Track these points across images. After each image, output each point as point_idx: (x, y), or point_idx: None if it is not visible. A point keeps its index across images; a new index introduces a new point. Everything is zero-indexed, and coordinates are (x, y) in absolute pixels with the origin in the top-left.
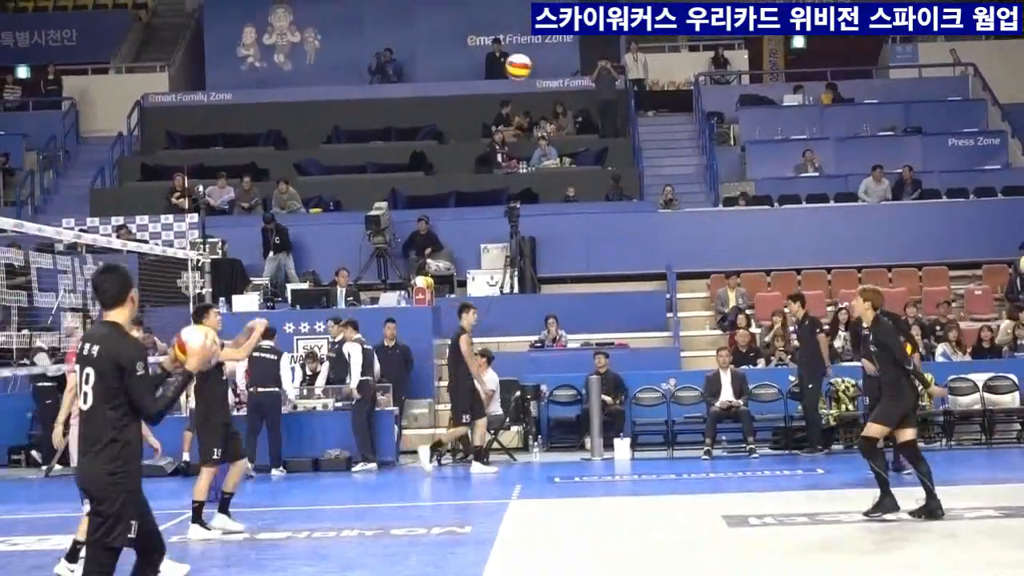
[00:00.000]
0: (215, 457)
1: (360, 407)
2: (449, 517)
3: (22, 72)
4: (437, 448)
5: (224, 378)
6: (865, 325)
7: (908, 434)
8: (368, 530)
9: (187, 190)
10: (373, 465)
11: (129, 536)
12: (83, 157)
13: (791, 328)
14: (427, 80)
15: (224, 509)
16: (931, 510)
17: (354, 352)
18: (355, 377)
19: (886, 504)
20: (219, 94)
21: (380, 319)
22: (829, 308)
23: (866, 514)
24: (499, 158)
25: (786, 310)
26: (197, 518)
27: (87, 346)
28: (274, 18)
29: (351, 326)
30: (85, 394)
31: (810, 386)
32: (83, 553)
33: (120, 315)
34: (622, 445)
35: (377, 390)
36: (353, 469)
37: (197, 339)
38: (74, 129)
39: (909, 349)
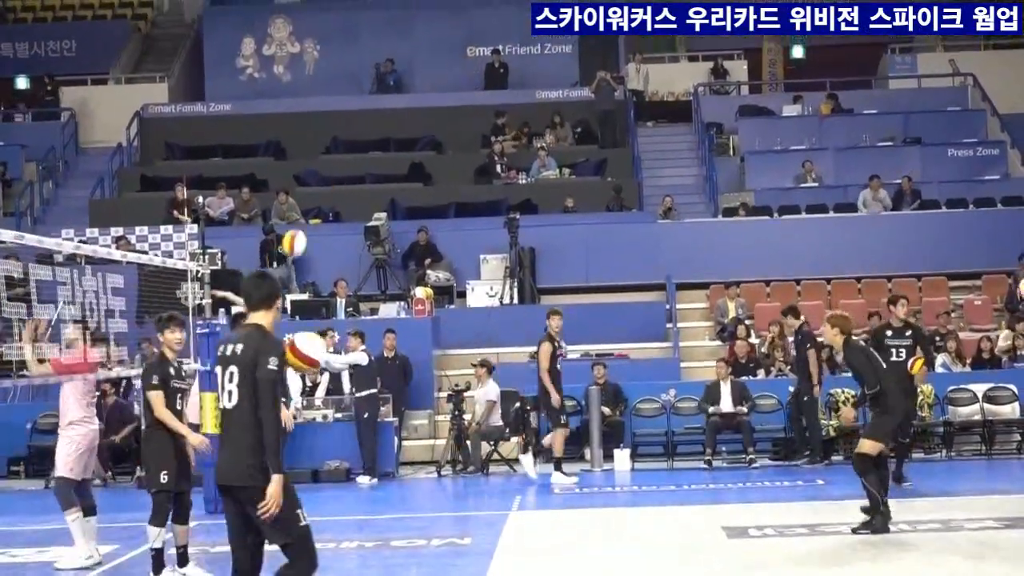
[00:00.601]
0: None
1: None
2: (449, 528)
3: (21, 83)
4: (539, 454)
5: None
6: (836, 351)
7: (866, 446)
8: (368, 542)
9: (186, 201)
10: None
11: (304, 524)
12: (82, 168)
13: (789, 338)
14: (426, 91)
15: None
16: (874, 525)
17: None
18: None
19: (875, 524)
20: (218, 105)
21: (380, 330)
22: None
23: (854, 531)
24: (498, 169)
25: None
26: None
27: (230, 346)
28: (273, 29)
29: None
30: (229, 392)
31: (805, 398)
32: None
33: (264, 318)
34: (622, 456)
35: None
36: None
37: (318, 348)
38: (73, 140)
39: (920, 363)
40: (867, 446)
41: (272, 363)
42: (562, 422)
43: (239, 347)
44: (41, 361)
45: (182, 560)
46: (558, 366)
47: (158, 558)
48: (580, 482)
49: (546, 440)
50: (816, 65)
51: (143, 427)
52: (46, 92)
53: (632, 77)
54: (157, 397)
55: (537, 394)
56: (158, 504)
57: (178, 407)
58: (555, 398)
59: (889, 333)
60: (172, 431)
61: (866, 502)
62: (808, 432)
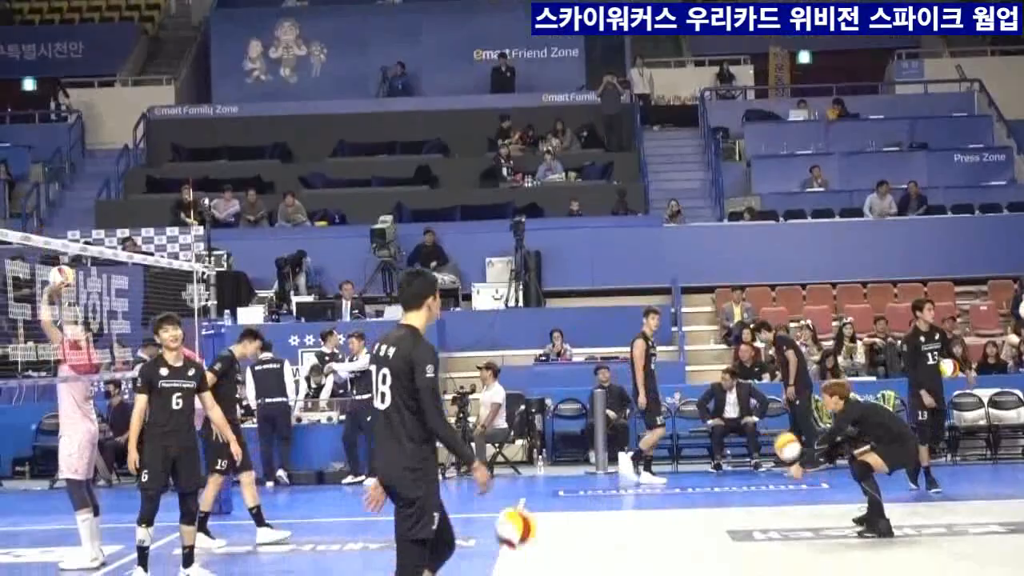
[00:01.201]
0: (219, 468)
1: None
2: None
3: (28, 85)
4: (639, 458)
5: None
6: (840, 414)
7: (872, 459)
8: (372, 543)
9: (193, 203)
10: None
11: (432, 528)
12: (89, 169)
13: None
14: (432, 94)
15: (201, 527)
16: (879, 529)
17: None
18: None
19: (880, 527)
20: (225, 107)
21: (385, 331)
22: (835, 323)
23: (860, 534)
24: (504, 172)
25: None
26: (202, 528)
27: (383, 348)
28: (280, 32)
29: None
30: (383, 394)
31: (797, 403)
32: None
33: (416, 319)
34: (626, 459)
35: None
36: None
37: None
38: (80, 142)
39: (954, 365)
40: (873, 460)
41: (429, 371)
42: (659, 422)
43: (392, 350)
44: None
45: (187, 560)
46: (652, 366)
47: (140, 554)
48: (584, 484)
49: (643, 443)
50: (823, 70)
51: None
52: (54, 95)
53: (637, 81)
54: (139, 399)
55: (632, 393)
56: (141, 502)
57: (175, 406)
58: (641, 400)
59: (922, 339)
60: (162, 432)
61: (859, 513)
62: (802, 436)
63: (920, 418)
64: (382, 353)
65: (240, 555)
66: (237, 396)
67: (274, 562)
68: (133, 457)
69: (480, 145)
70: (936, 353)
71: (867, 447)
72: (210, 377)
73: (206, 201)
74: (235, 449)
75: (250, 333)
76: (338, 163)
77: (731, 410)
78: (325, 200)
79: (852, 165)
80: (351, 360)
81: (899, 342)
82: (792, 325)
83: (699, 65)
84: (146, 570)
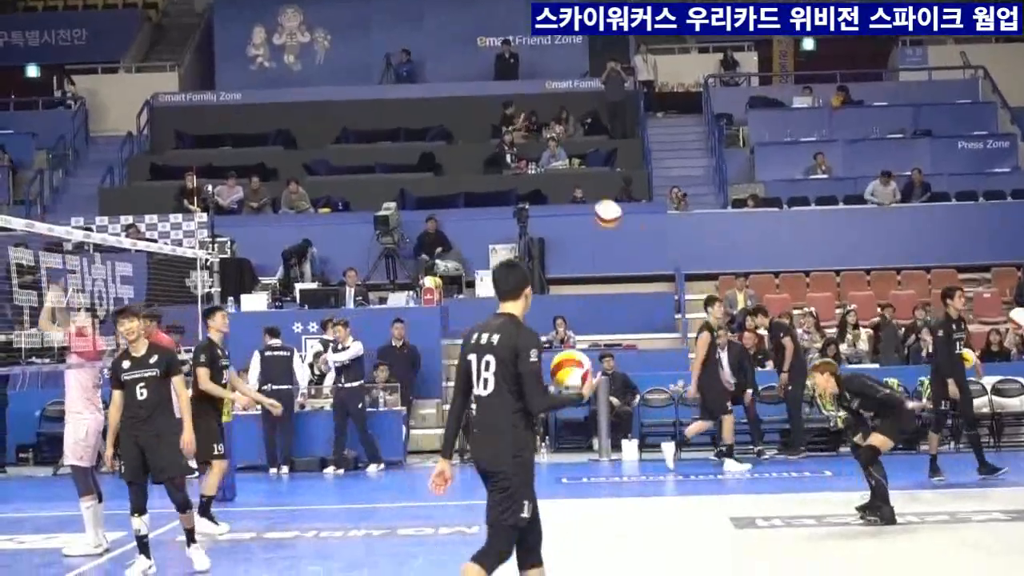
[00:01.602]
0: (217, 453)
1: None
2: (457, 517)
3: (32, 71)
4: (682, 445)
5: (224, 381)
6: (835, 392)
7: (877, 440)
8: (375, 530)
9: (196, 190)
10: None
11: (524, 515)
12: (92, 156)
13: (800, 331)
14: (436, 81)
15: (205, 512)
16: (883, 515)
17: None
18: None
19: (884, 513)
20: (229, 94)
21: (389, 319)
22: (837, 310)
23: (863, 517)
24: (508, 159)
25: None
26: (205, 513)
27: (484, 335)
28: (284, 18)
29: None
30: (485, 380)
31: (789, 388)
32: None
33: (515, 307)
34: (630, 446)
35: (364, 391)
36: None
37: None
38: (83, 128)
39: (968, 357)
40: (878, 441)
41: (533, 356)
42: (728, 408)
43: (495, 336)
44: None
45: (189, 539)
46: (717, 355)
47: (139, 543)
48: (588, 471)
49: (688, 429)
50: (826, 57)
51: None
52: (60, 83)
53: (642, 68)
54: (114, 395)
55: (705, 383)
56: (128, 494)
57: (140, 396)
58: (691, 390)
59: (954, 326)
60: (131, 423)
61: (862, 501)
62: (791, 423)
63: (941, 407)
64: (483, 341)
65: (243, 542)
66: (224, 382)
67: (278, 548)
68: (108, 453)
69: (484, 132)
70: (960, 342)
71: (870, 433)
72: (203, 373)
73: (209, 188)
74: (185, 439)
75: (212, 308)
76: (341, 150)
77: (725, 371)
78: (328, 187)
79: (856, 152)
80: (338, 349)
81: (922, 328)
82: (795, 312)
83: (703, 52)
84: (148, 557)
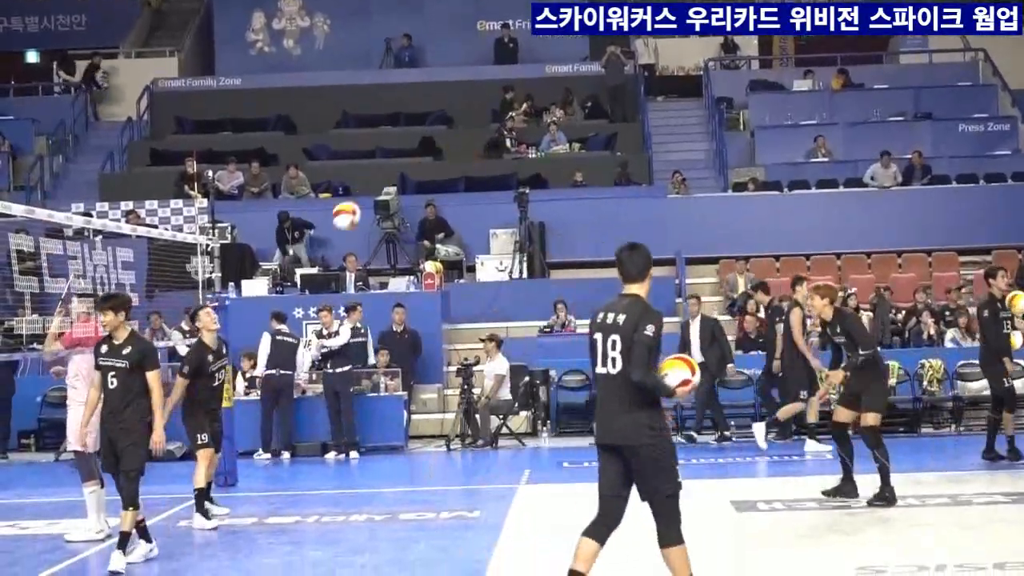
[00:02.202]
0: (202, 442)
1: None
2: (458, 502)
3: (32, 57)
4: (773, 426)
5: (221, 379)
6: (827, 319)
7: (871, 419)
8: (377, 515)
9: (196, 175)
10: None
11: (679, 482)
12: (92, 142)
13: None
14: (436, 65)
15: (199, 507)
16: (886, 497)
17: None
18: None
19: (887, 495)
20: (229, 79)
21: (389, 304)
22: (839, 294)
23: (869, 503)
24: (508, 143)
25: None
26: (199, 507)
27: (611, 315)
28: (284, 3)
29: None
30: (612, 359)
31: (779, 374)
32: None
33: (640, 288)
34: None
35: (354, 376)
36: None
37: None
38: (83, 114)
39: (1015, 342)
40: (871, 418)
41: (649, 330)
42: (802, 396)
43: (621, 317)
44: (60, 335)
45: (120, 543)
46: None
47: (137, 528)
48: (589, 456)
49: (781, 412)
50: (827, 40)
51: None
52: (65, 68)
53: (642, 52)
54: (95, 376)
55: (783, 364)
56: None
57: (110, 385)
58: (815, 363)
59: (999, 305)
60: (103, 413)
61: (836, 481)
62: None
63: (1007, 384)
64: (609, 320)
65: (245, 527)
66: (220, 380)
67: (279, 531)
68: (81, 431)
69: (484, 116)
70: (1008, 322)
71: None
72: (179, 382)
73: (210, 173)
74: (154, 437)
75: (196, 309)
76: (341, 135)
77: (695, 343)
78: (329, 172)
79: (856, 135)
80: (323, 335)
81: (974, 309)
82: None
83: (703, 36)
84: (149, 540)
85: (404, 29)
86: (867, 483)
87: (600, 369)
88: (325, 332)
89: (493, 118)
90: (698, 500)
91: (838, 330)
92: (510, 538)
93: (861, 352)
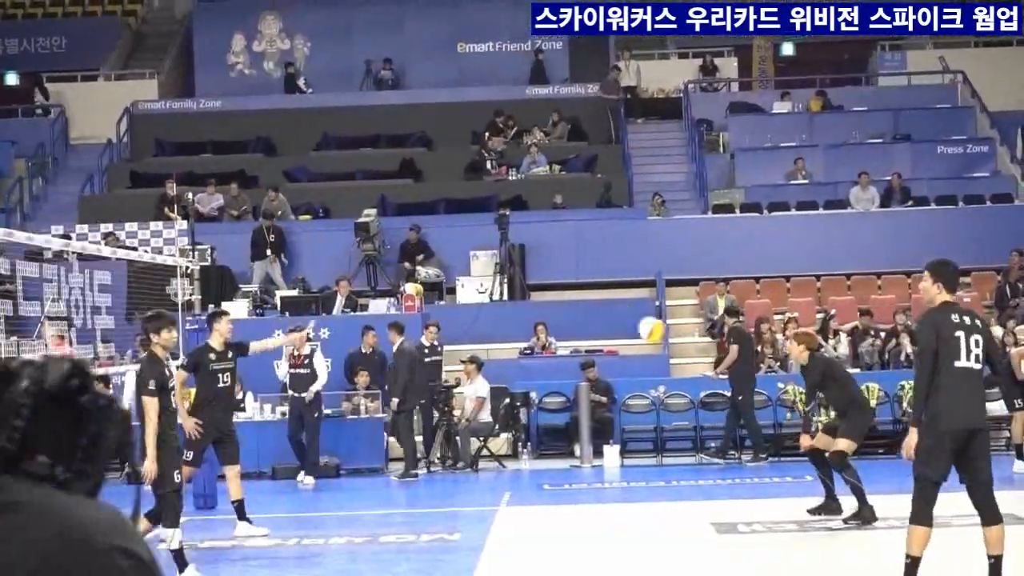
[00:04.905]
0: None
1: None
2: (439, 524)
3: (11, 79)
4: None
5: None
6: (803, 364)
7: (842, 444)
8: (357, 537)
9: (176, 198)
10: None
11: None
12: (72, 164)
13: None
14: (416, 87)
15: (242, 516)
16: (864, 516)
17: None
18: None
19: (864, 514)
20: (208, 101)
21: (373, 325)
22: (819, 315)
23: (845, 521)
24: (488, 165)
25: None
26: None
27: (966, 318)
28: (263, 25)
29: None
30: (976, 355)
31: (740, 397)
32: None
33: (953, 296)
34: (611, 452)
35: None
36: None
37: None
38: (63, 136)
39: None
40: (843, 444)
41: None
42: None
43: (977, 320)
44: None
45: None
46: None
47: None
48: (569, 478)
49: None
50: (806, 62)
51: None
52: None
53: (623, 74)
54: None
55: None
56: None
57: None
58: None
59: None
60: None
61: (819, 500)
62: (747, 429)
63: None
64: (967, 322)
65: (224, 550)
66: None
67: (259, 555)
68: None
69: (464, 138)
70: None
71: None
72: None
73: (189, 195)
74: (145, 466)
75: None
76: (322, 157)
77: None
78: (309, 194)
79: (836, 157)
80: (297, 356)
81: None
82: (776, 317)
83: (683, 58)
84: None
85: (384, 51)
86: (851, 504)
87: (962, 363)
88: (296, 354)
89: (473, 140)
90: (678, 522)
91: (811, 376)
92: (490, 560)
93: (836, 408)
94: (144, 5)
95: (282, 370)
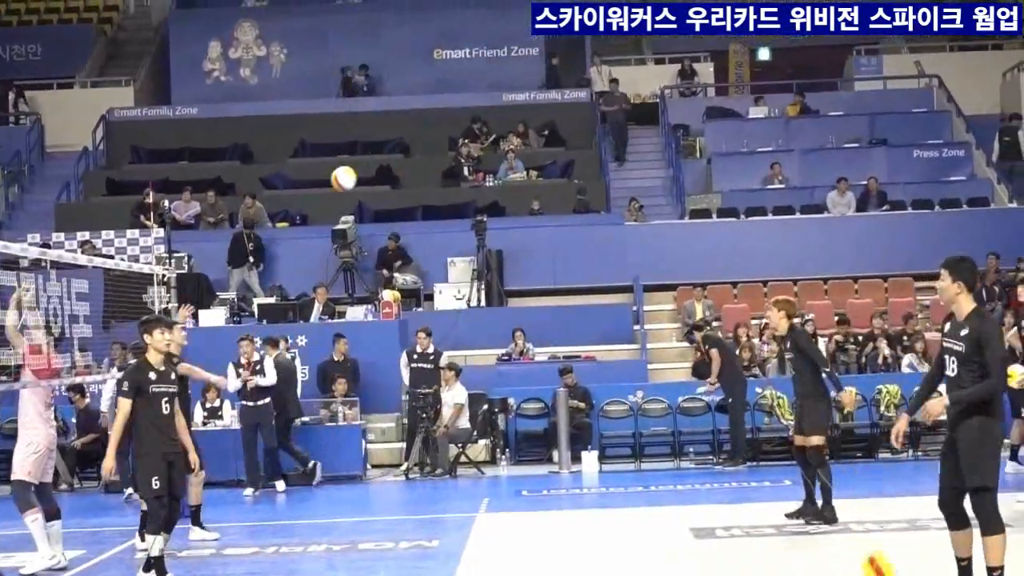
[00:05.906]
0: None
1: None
2: (417, 531)
3: None
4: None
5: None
6: (781, 333)
7: (815, 439)
8: (336, 544)
9: (153, 205)
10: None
11: None
12: (48, 172)
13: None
14: (393, 94)
15: (196, 521)
16: (825, 516)
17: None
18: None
19: (827, 514)
20: (185, 108)
21: (347, 332)
22: (796, 320)
23: (807, 521)
24: (465, 171)
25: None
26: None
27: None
28: (240, 32)
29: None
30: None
31: (730, 400)
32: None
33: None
34: (590, 458)
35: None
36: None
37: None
38: (39, 144)
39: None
40: (816, 439)
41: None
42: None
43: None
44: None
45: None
46: None
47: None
48: (548, 484)
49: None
50: (782, 67)
51: None
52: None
53: (595, 80)
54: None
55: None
56: None
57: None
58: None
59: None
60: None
61: (796, 505)
62: (730, 432)
63: None
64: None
65: (203, 558)
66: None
67: (238, 563)
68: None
69: (441, 145)
70: None
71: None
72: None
73: (166, 203)
74: (104, 464)
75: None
76: (299, 164)
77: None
78: (286, 201)
79: (812, 162)
80: (247, 365)
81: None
82: (753, 322)
83: (659, 63)
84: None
85: (361, 58)
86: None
87: None
88: (245, 362)
89: (450, 146)
90: (657, 527)
91: (788, 345)
92: (469, 567)
93: (824, 371)
94: (120, 12)
95: (234, 382)
